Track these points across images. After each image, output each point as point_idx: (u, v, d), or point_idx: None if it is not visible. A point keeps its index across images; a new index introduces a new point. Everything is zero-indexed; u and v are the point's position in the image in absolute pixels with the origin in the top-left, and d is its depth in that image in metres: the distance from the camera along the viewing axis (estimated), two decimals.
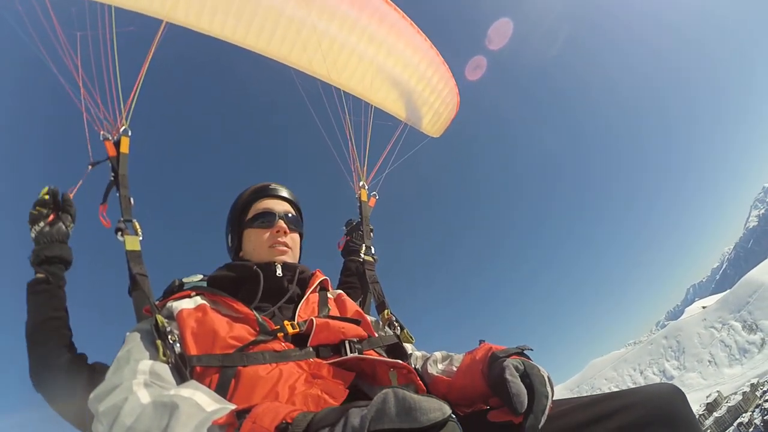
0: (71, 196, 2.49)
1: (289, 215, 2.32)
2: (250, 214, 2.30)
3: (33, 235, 2.35)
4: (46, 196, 2.41)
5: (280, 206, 2.33)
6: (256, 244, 2.25)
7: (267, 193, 2.37)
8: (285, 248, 2.22)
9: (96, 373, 2.03)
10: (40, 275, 2.28)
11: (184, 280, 2.06)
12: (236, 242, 2.35)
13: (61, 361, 2.10)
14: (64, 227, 2.40)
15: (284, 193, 2.41)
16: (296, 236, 2.35)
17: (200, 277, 2.11)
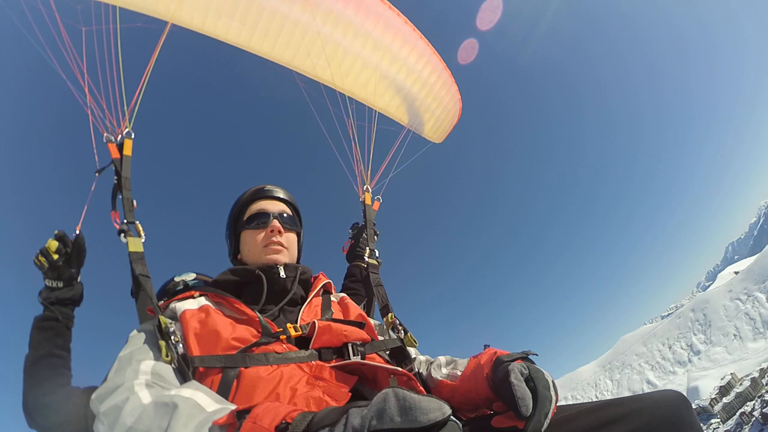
0: (78, 232, 2.36)
1: (284, 215, 2.24)
2: (246, 216, 2.23)
3: (45, 281, 2.29)
4: (54, 253, 2.26)
5: (275, 206, 2.25)
6: (251, 245, 2.17)
7: (262, 194, 2.29)
8: (280, 248, 2.14)
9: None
10: (48, 312, 2.23)
11: (176, 278, 2.01)
12: (234, 245, 2.30)
13: (58, 398, 2.05)
14: (73, 271, 2.33)
15: (279, 193, 2.33)
16: (292, 236, 2.25)
17: (193, 276, 2.06)
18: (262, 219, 2.20)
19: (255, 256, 2.15)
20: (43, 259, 2.24)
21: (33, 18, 2.63)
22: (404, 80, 3.60)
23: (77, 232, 2.34)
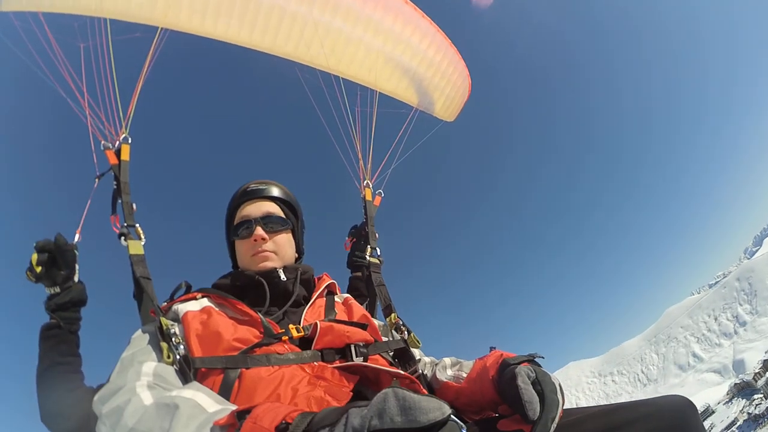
0: (74, 240, 2.35)
1: (269, 217, 2.14)
2: (235, 224, 2.17)
3: (45, 290, 2.29)
4: (37, 265, 2.22)
5: (259, 209, 2.16)
6: (241, 255, 2.13)
7: (246, 197, 2.21)
8: (266, 254, 2.06)
9: None
10: (52, 320, 2.23)
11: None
12: (231, 253, 2.26)
13: (69, 403, 2.05)
14: (63, 273, 2.29)
15: (264, 191, 2.23)
16: (282, 236, 2.15)
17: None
18: (246, 227, 2.12)
19: (247, 265, 2.10)
20: (29, 273, 2.23)
21: (29, 40, 2.67)
22: (410, 61, 3.51)
23: (77, 236, 2.35)
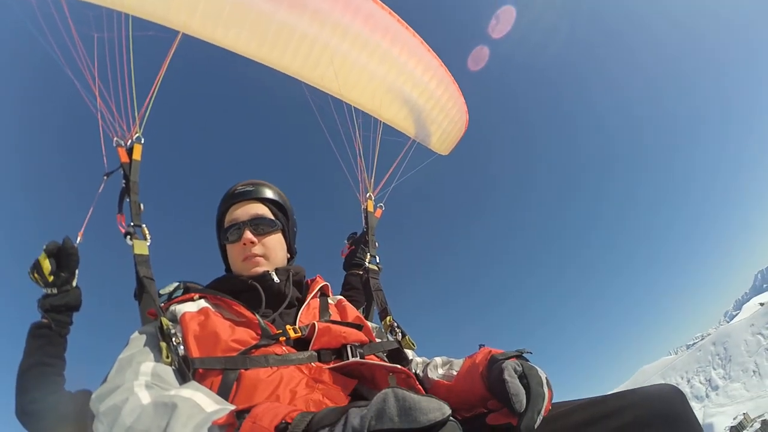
0: (77, 241, 2.36)
1: (257, 219, 2.12)
2: (224, 227, 2.15)
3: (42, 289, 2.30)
4: (50, 275, 2.26)
5: (246, 212, 2.13)
6: (232, 260, 2.12)
7: (234, 200, 2.17)
8: (257, 258, 2.05)
9: (84, 400, 1.96)
10: (44, 320, 2.23)
11: (161, 291, 2.02)
12: (223, 256, 2.26)
13: (45, 405, 2.05)
14: (63, 275, 2.30)
15: (251, 192, 2.18)
16: (272, 238, 2.13)
17: (175, 285, 2.05)
18: (234, 230, 2.11)
19: (238, 271, 2.10)
20: (38, 276, 2.25)
21: (46, 24, 2.65)
22: (411, 92, 3.59)
23: (79, 237, 2.35)
